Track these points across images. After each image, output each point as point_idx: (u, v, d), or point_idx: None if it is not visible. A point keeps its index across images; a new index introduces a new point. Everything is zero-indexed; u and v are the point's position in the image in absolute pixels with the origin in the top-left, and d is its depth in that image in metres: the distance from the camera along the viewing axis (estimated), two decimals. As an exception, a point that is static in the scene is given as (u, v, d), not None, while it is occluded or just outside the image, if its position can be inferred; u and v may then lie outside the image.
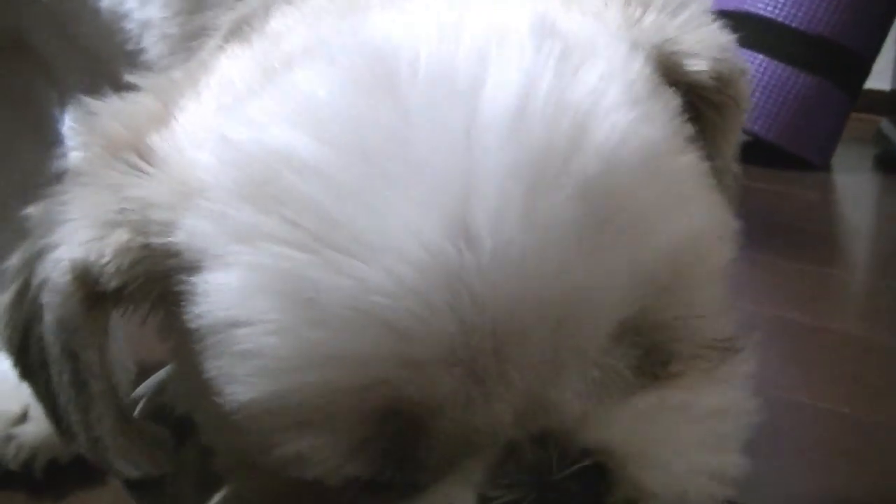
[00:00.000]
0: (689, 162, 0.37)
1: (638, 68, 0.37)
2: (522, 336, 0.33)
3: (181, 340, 0.37)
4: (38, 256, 0.39)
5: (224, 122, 0.37)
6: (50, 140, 0.70)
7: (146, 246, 0.37)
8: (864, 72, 1.52)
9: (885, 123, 1.78)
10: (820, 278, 1.14)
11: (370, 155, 0.33)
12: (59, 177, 0.41)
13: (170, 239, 0.36)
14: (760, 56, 1.51)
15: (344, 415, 0.34)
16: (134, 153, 0.39)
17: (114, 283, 0.37)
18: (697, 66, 0.40)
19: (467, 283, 0.32)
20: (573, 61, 0.35)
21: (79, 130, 0.41)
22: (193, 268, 0.36)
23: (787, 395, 0.80)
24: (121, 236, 0.37)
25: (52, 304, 0.38)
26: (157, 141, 0.39)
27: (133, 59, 0.53)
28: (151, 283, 0.37)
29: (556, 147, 0.33)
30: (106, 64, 0.58)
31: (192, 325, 0.35)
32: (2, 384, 0.63)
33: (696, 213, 0.36)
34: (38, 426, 0.67)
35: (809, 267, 1.11)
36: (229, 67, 0.41)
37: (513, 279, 0.32)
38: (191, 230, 0.36)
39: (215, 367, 0.35)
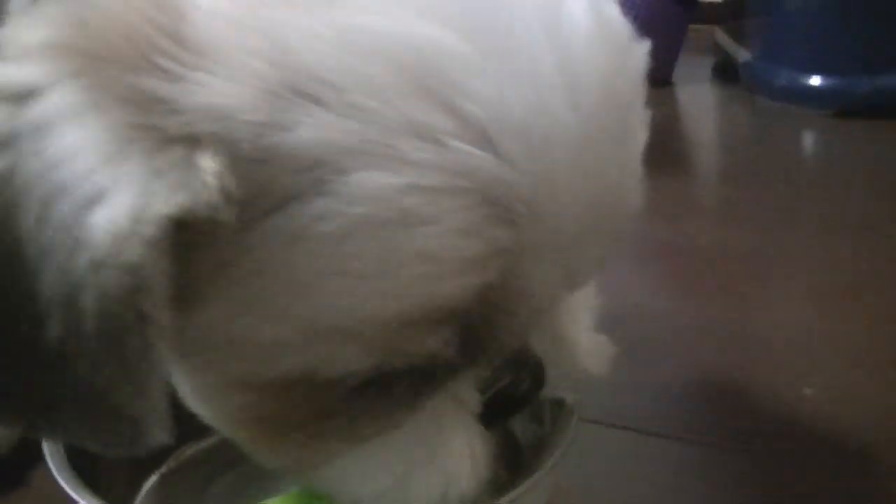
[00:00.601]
0: None
1: None
2: (592, 227, 0.37)
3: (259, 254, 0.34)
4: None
5: (325, 13, 0.33)
6: None
7: (243, 160, 0.32)
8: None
9: (719, 33, 1.84)
10: (674, 192, 1.18)
11: (504, 56, 0.34)
12: None
13: (277, 149, 0.32)
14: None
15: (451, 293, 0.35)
16: (171, 51, 0.33)
17: (223, 216, 0.32)
18: None
19: (574, 169, 0.35)
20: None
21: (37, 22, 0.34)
22: (329, 169, 0.32)
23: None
24: (213, 162, 0.32)
25: (118, 273, 0.31)
26: (198, 28, 0.33)
27: None
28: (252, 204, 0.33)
29: (613, 69, 0.37)
30: None
31: (313, 230, 0.33)
32: None
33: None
34: None
35: (663, 181, 1.15)
36: None
37: (596, 175, 0.36)
38: (323, 128, 0.32)
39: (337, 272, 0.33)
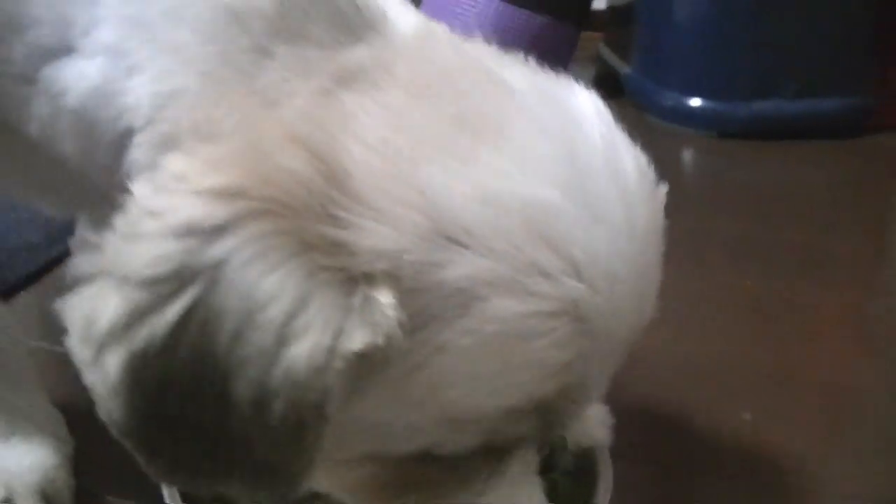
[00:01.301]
0: None
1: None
2: (632, 333, 0.46)
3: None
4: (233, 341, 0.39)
5: (470, 168, 0.42)
6: None
7: (406, 291, 0.40)
8: (588, 6, 1.65)
9: (602, 46, 1.95)
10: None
11: (611, 233, 0.44)
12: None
13: (432, 283, 0.40)
14: (496, 1, 1.60)
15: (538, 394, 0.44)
16: (339, 201, 0.40)
17: (397, 343, 0.40)
18: None
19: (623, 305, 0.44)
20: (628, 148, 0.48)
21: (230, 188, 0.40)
22: (470, 297, 0.41)
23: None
24: (388, 297, 0.39)
25: (312, 392, 0.39)
26: (362, 188, 0.41)
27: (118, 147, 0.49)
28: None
29: (652, 210, 0.47)
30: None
31: (454, 343, 0.41)
32: None
33: None
34: None
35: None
36: (398, 118, 0.44)
37: (629, 308, 0.45)
38: (467, 266, 0.40)
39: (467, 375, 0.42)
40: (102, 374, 0.41)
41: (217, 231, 0.39)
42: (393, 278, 0.39)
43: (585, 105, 0.47)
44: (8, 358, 0.71)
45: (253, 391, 0.39)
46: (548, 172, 0.43)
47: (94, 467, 0.72)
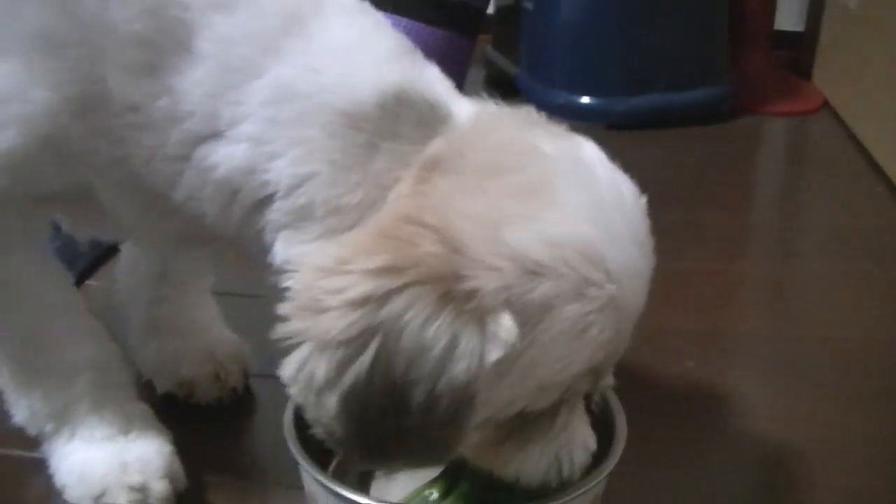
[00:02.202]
0: None
1: None
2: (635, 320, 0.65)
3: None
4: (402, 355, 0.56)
5: (537, 223, 0.59)
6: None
7: (515, 313, 0.58)
8: (482, 20, 1.84)
9: (489, 49, 2.13)
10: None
11: (618, 238, 0.62)
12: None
13: (527, 302, 0.58)
14: (405, 20, 1.77)
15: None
16: (460, 262, 0.57)
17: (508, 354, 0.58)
18: None
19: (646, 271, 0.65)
20: (622, 178, 0.66)
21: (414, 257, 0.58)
22: (550, 307, 0.59)
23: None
24: (507, 318, 0.57)
25: (470, 394, 0.58)
26: (471, 250, 0.58)
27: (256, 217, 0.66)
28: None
29: (645, 223, 0.65)
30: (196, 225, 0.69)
31: (543, 338, 0.59)
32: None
33: None
34: None
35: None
36: (478, 192, 0.60)
37: (642, 294, 0.65)
38: (545, 288, 0.58)
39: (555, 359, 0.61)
40: (324, 410, 0.59)
41: (385, 298, 0.56)
42: (507, 305, 0.57)
43: (592, 155, 0.65)
44: (112, 363, 0.84)
45: (424, 398, 0.57)
46: (581, 214, 0.60)
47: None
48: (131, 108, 0.65)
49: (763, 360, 1.09)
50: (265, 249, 0.67)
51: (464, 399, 0.57)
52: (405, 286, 0.56)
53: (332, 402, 0.58)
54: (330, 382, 0.57)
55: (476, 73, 2.10)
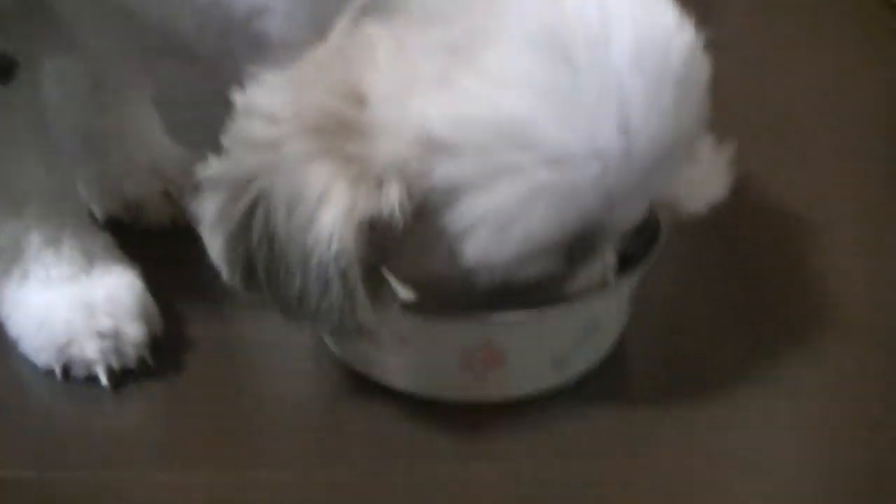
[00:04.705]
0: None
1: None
2: (648, 174, 0.55)
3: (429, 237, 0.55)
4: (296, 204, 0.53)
5: (447, 91, 0.52)
6: None
7: (413, 191, 0.53)
8: None
9: None
10: None
11: (571, 103, 0.52)
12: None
13: (428, 182, 0.53)
14: None
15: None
16: (358, 122, 0.53)
17: (393, 224, 0.53)
18: None
19: (633, 151, 0.53)
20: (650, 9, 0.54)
21: (284, 100, 0.54)
22: (456, 194, 0.53)
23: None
24: (395, 189, 0.52)
25: (333, 250, 0.52)
26: (374, 110, 0.53)
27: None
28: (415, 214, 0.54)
29: (660, 74, 0.53)
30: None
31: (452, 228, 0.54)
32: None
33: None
34: None
35: None
36: (401, 46, 0.53)
37: (648, 147, 0.54)
38: (450, 172, 0.52)
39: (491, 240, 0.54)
40: (214, 250, 0.57)
41: (272, 144, 0.53)
42: (399, 181, 0.53)
43: None
44: (66, 189, 0.74)
45: (298, 255, 0.53)
46: (522, 83, 0.51)
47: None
48: None
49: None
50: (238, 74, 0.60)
51: (332, 258, 0.52)
52: (294, 133, 0.53)
53: (218, 243, 0.57)
54: (215, 223, 0.56)
55: None
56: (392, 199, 0.52)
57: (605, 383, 0.70)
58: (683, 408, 0.68)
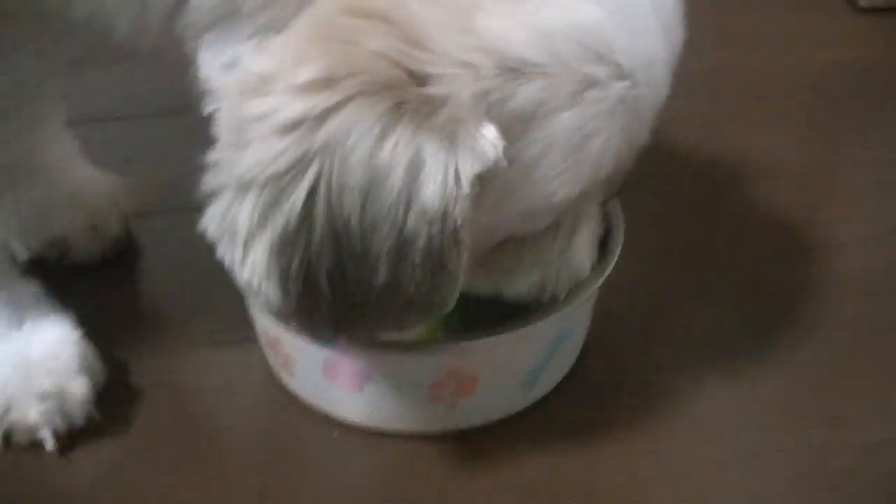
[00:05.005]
0: None
1: None
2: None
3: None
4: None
5: (517, 9, 0.47)
6: None
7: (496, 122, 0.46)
8: None
9: None
10: None
11: (634, 19, 0.50)
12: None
13: (508, 109, 0.47)
14: None
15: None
16: (421, 58, 0.45)
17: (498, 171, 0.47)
18: None
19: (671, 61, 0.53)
20: None
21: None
22: (540, 114, 0.48)
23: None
24: (490, 129, 0.46)
25: (452, 224, 0.45)
26: (438, 43, 0.45)
27: None
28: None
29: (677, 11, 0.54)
30: None
31: (529, 154, 0.48)
32: None
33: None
34: None
35: None
36: None
37: (662, 89, 0.53)
38: (533, 93, 0.47)
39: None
40: (252, 266, 0.47)
41: (321, 118, 0.44)
42: (489, 118, 0.46)
43: None
44: None
45: (392, 242, 0.45)
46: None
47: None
48: None
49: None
50: (187, 63, 0.52)
51: (448, 230, 0.45)
52: (347, 100, 0.44)
53: (260, 251, 0.46)
54: (255, 229, 0.46)
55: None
56: (493, 142, 0.45)
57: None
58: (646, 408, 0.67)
